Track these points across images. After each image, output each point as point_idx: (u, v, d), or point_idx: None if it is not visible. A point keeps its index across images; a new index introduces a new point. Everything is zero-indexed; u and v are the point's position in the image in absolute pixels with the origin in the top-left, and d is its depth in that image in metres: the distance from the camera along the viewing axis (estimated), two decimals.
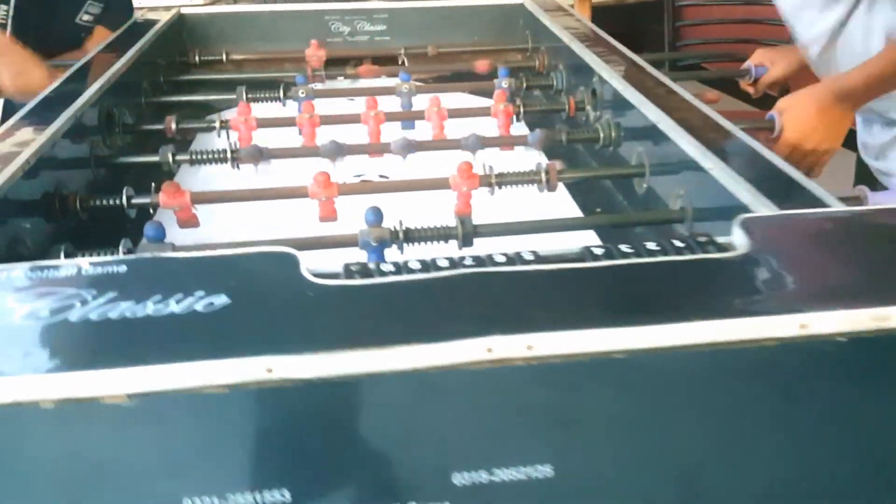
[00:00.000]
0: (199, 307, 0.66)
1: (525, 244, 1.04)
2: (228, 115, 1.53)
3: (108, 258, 0.72)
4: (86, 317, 0.65)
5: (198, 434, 0.61)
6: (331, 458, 0.61)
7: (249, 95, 1.61)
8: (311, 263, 0.71)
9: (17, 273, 0.70)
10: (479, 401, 0.61)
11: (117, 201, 1.12)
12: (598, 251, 0.73)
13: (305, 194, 1.18)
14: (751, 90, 1.74)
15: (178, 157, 1.30)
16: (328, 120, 1.49)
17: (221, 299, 0.67)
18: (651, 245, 0.73)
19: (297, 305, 0.67)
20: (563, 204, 1.29)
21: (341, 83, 1.88)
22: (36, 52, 1.71)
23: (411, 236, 1.04)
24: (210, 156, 1.31)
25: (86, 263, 0.72)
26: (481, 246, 1.01)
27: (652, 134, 1.17)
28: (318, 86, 1.89)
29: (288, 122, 1.50)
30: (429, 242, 1.04)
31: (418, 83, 1.69)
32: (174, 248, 1.00)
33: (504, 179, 1.18)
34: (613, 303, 0.67)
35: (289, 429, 0.61)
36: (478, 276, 0.69)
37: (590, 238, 1.14)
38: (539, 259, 0.72)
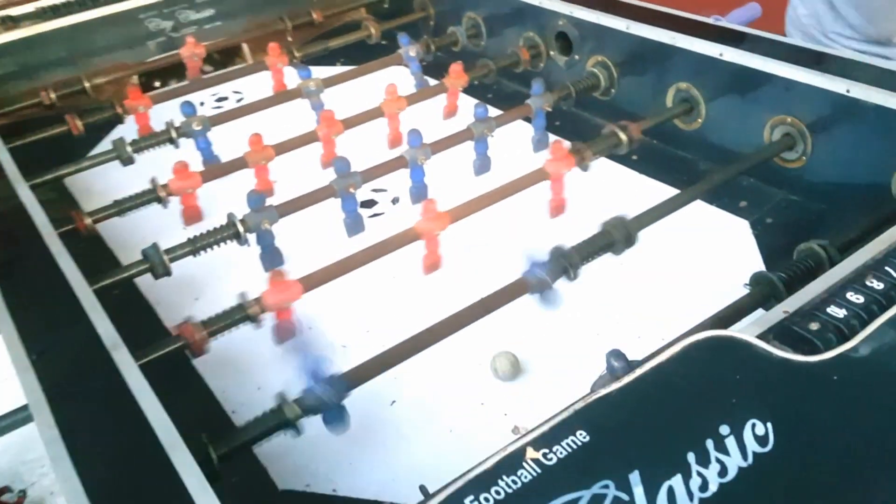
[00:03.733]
0: (755, 447, 0.52)
1: None
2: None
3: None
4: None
5: None
6: None
7: (134, 146, 1.26)
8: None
9: None
10: None
11: None
12: None
13: (415, 237, 0.98)
14: None
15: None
16: (280, 149, 1.23)
17: (767, 427, 0.53)
18: None
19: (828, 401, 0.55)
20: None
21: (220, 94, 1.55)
22: None
23: (584, 254, 0.91)
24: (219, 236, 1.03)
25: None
26: None
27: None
28: (211, 105, 1.56)
29: (233, 166, 1.21)
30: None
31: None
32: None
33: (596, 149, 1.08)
34: None
35: None
36: None
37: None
38: None
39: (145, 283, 1.05)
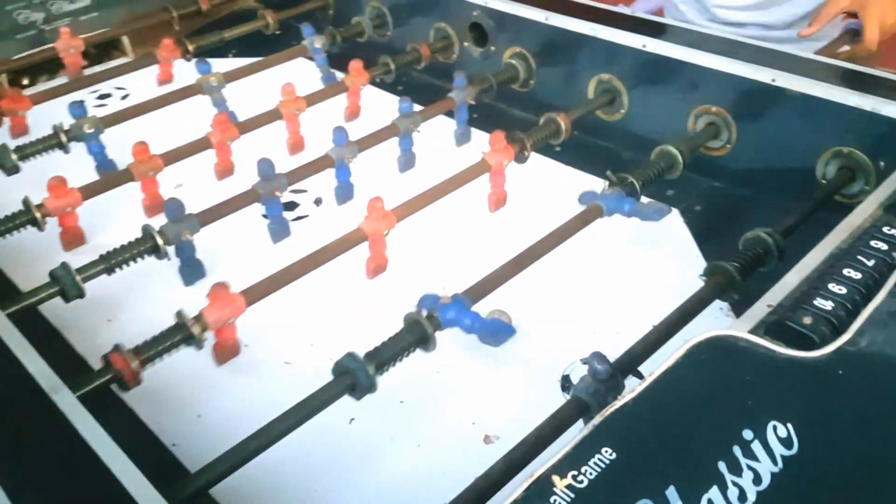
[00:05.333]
0: (782, 450, 0.51)
1: None
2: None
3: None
4: None
5: None
6: None
7: (19, 153, 1.13)
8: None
9: None
10: None
11: None
12: None
13: (363, 238, 0.93)
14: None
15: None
16: (173, 156, 1.13)
17: (788, 428, 0.52)
18: None
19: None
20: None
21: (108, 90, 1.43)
22: None
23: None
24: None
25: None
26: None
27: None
28: (93, 103, 1.41)
29: (117, 180, 1.10)
30: None
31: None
32: None
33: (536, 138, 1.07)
34: None
35: None
36: None
37: None
38: None
39: (50, 305, 0.94)
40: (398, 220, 0.95)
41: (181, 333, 0.81)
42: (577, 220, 0.94)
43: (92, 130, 1.18)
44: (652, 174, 1.01)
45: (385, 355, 0.76)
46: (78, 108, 1.20)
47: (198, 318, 0.82)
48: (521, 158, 1.06)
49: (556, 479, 0.50)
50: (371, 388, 0.75)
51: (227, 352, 0.87)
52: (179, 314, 0.81)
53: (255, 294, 0.86)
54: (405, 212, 0.96)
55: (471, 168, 1.03)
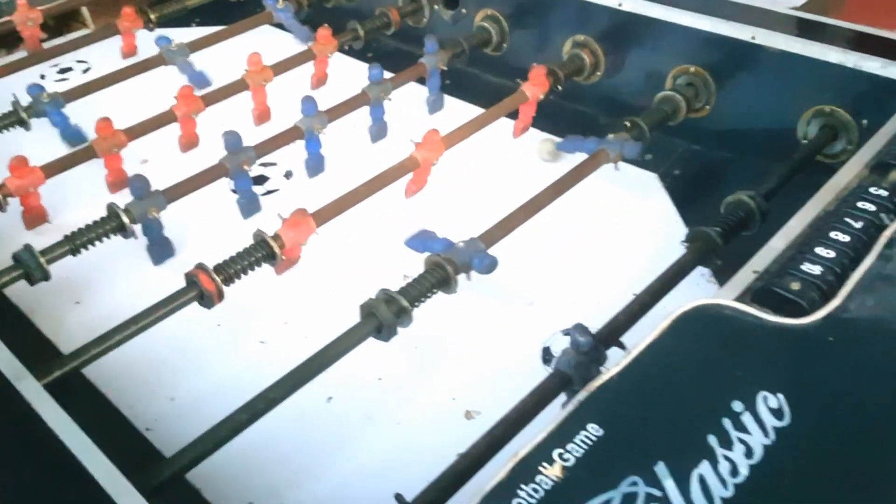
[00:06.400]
0: (774, 422, 0.50)
1: None
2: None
3: None
4: None
5: None
6: None
7: None
8: None
9: None
10: None
11: None
12: None
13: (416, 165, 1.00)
14: None
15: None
16: (137, 131, 1.09)
17: (779, 398, 0.51)
18: None
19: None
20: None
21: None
22: None
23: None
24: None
25: None
26: None
27: None
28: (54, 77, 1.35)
29: (80, 158, 1.06)
30: None
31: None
32: None
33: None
34: None
35: None
36: None
37: None
38: None
39: (16, 288, 0.91)
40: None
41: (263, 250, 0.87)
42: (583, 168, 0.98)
43: (49, 101, 1.14)
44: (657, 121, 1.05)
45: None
46: (35, 88, 1.15)
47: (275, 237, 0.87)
48: (555, 88, 1.14)
49: (544, 466, 0.48)
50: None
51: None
52: (257, 233, 0.88)
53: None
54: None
55: (509, 100, 1.10)
